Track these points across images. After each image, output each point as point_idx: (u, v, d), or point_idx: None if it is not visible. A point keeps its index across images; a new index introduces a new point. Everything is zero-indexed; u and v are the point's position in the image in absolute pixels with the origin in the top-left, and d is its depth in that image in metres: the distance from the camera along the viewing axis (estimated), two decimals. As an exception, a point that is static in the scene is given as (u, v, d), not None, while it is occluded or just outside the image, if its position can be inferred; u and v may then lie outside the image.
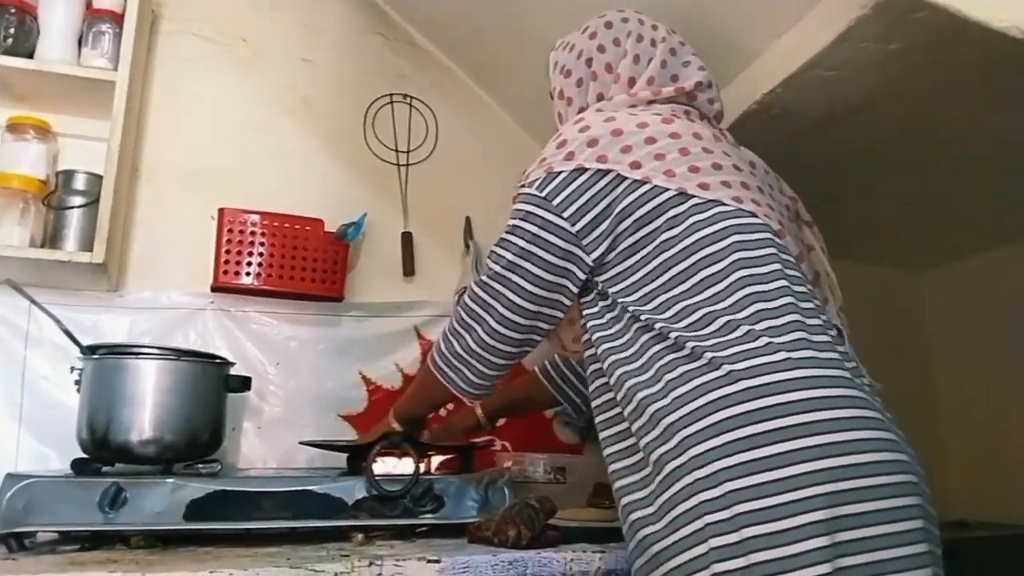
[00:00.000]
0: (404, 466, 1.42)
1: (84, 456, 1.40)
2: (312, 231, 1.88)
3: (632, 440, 0.96)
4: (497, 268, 1.09)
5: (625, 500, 0.98)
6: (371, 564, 1.10)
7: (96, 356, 1.44)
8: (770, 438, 0.83)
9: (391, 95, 2.12)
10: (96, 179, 1.63)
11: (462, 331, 1.15)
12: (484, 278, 1.11)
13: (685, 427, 0.87)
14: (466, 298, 1.14)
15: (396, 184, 2.08)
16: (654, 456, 0.91)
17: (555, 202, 1.04)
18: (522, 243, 1.07)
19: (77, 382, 1.46)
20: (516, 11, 1.79)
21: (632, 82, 1.16)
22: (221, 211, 1.84)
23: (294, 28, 2.06)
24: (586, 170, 1.03)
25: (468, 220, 2.11)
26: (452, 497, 1.40)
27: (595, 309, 1.05)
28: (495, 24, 1.90)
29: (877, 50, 1.04)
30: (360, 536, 1.32)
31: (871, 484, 0.83)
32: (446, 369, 1.19)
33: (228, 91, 1.97)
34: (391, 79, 2.13)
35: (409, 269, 2.03)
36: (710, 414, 0.86)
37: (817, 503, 0.80)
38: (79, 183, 1.65)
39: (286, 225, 1.86)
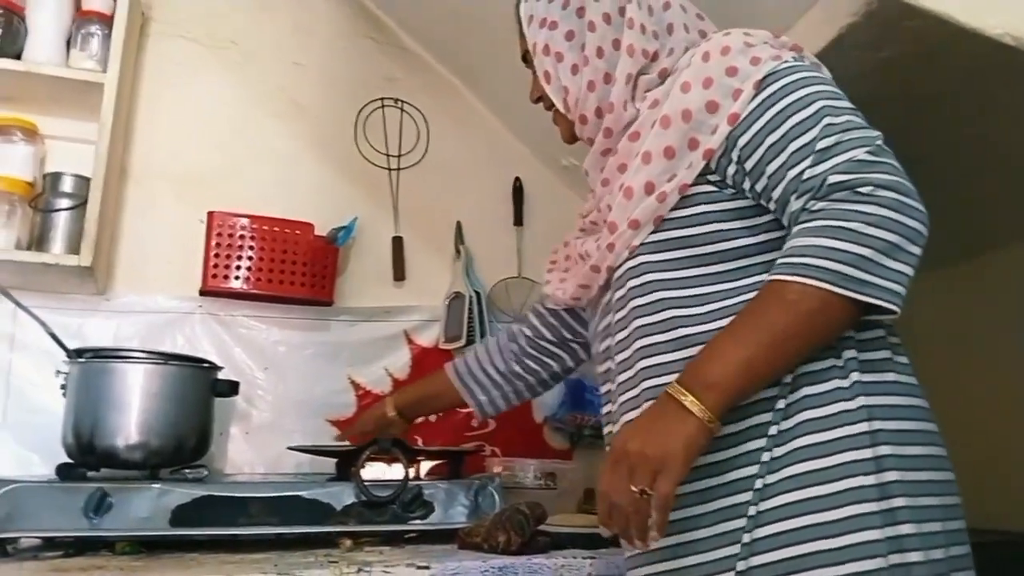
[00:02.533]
0: (393, 471, 1.42)
1: (69, 461, 1.39)
2: (302, 235, 1.87)
3: None
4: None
5: None
6: (359, 570, 1.10)
7: (82, 360, 1.43)
8: None
9: (382, 99, 2.11)
10: (84, 181, 1.61)
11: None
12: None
13: None
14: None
15: (387, 188, 2.07)
16: None
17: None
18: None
19: (63, 386, 1.45)
20: (505, 16, 1.79)
21: (644, 30, 1.02)
22: (210, 214, 1.82)
23: (284, 31, 2.05)
24: None
25: (459, 224, 2.10)
26: (442, 503, 1.40)
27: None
28: (485, 29, 1.89)
29: (868, 58, 1.05)
30: (348, 542, 1.31)
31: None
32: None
33: (218, 94, 1.96)
34: (382, 83, 2.12)
35: (399, 273, 2.02)
36: None
37: None
38: (66, 185, 1.64)
39: (276, 229, 1.85)
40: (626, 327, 0.99)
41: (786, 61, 0.91)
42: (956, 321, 1.86)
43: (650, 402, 0.91)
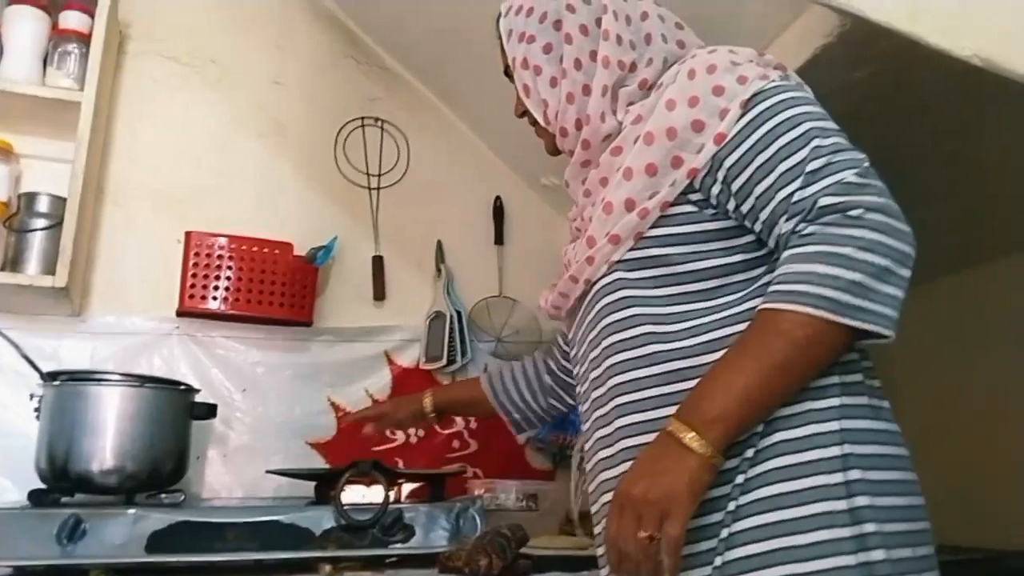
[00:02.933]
0: (373, 494, 1.40)
1: (42, 487, 1.37)
2: (281, 255, 1.86)
3: None
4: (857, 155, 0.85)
5: None
6: (339, 596, 1.08)
7: (56, 383, 1.40)
8: None
9: (362, 118, 2.11)
10: (60, 201, 1.60)
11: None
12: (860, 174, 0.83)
13: None
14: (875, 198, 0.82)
15: (367, 207, 2.06)
16: None
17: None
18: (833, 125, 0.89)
19: (36, 410, 1.42)
20: (484, 36, 1.79)
21: (620, 40, 1.02)
22: (188, 234, 1.81)
23: (265, 50, 2.05)
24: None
25: (439, 243, 2.10)
26: (422, 526, 1.38)
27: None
28: (466, 49, 1.90)
29: (843, 77, 1.06)
30: (328, 567, 1.29)
31: None
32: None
33: (197, 112, 1.95)
34: (362, 102, 2.12)
35: (380, 293, 2.01)
36: None
37: None
38: (42, 205, 1.62)
39: (254, 249, 1.84)
40: (599, 344, 0.98)
41: (773, 81, 0.91)
42: (936, 337, 1.87)
43: (621, 419, 0.92)
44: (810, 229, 0.82)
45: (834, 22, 1.16)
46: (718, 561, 0.83)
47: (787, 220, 0.84)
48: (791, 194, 0.84)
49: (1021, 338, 1.71)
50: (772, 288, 0.83)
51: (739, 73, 0.91)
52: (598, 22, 1.03)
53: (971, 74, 0.83)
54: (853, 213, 0.80)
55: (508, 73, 1.15)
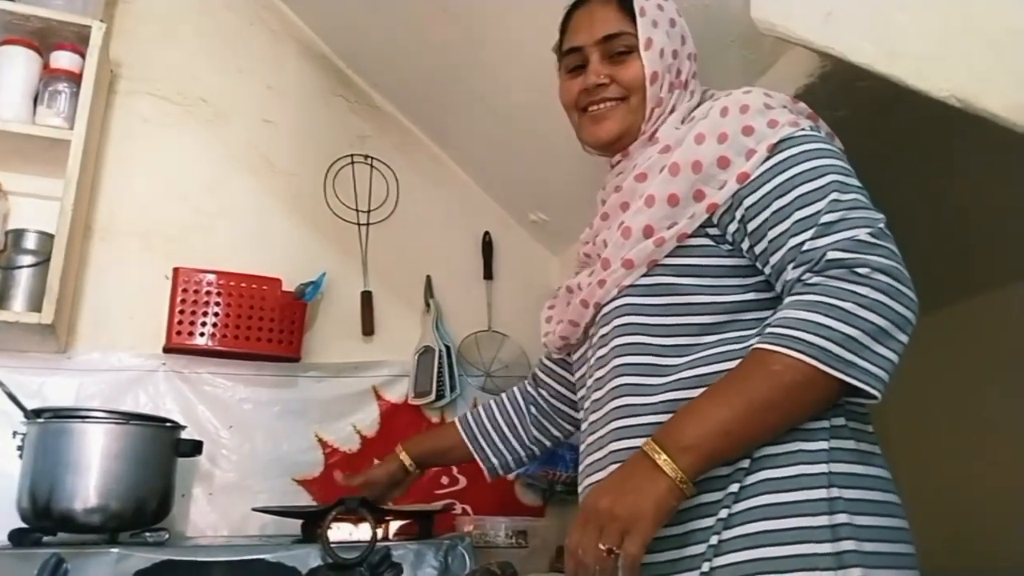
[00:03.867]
0: (361, 532, 1.39)
1: (24, 526, 1.35)
2: (269, 290, 1.86)
3: None
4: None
5: None
6: (325, 637, 1.07)
7: (40, 420, 1.39)
8: None
9: (352, 155, 2.13)
10: (47, 238, 1.60)
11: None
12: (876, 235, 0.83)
13: None
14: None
15: (356, 243, 2.07)
16: None
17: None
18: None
19: (19, 447, 1.41)
20: (473, 75, 1.82)
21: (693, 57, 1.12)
22: (175, 270, 1.81)
23: (255, 89, 2.07)
24: None
25: (428, 278, 2.10)
26: (411, 564, 1.37)
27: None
28: (453, 87, 1.93)
29: (825, 117, 1.08)
30: (314, 607, 1.27)
31: None
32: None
33: (186, 150, 1.97)
34: (352, 140, 2.14)
35: (368, 328, 2.01)
36: None
37: None
38: (29, 242, 1.62)
39: (243, 284, 1.84)
40: (605, 365, 0.99)
41: (803, 128, 0.93)
42: (926, 368, 1.89)
43: (616, 443, 0.92)
44: (815, 280, 0.83)
45: (815, 63, 1.18)
46: (706, 567, 0.83)
47: (794, 268, 0.86)
48: (802, 243, 0.85)
49: (1006, 367, 1.72)
50: (768, 329, 0.83)
51: (771, 117, 0.93)
52: (682, 40, 1.12)
53: (950, 113, 0.85)
54: (860, 271, 0.81)
55: (567, 51, 1.14)
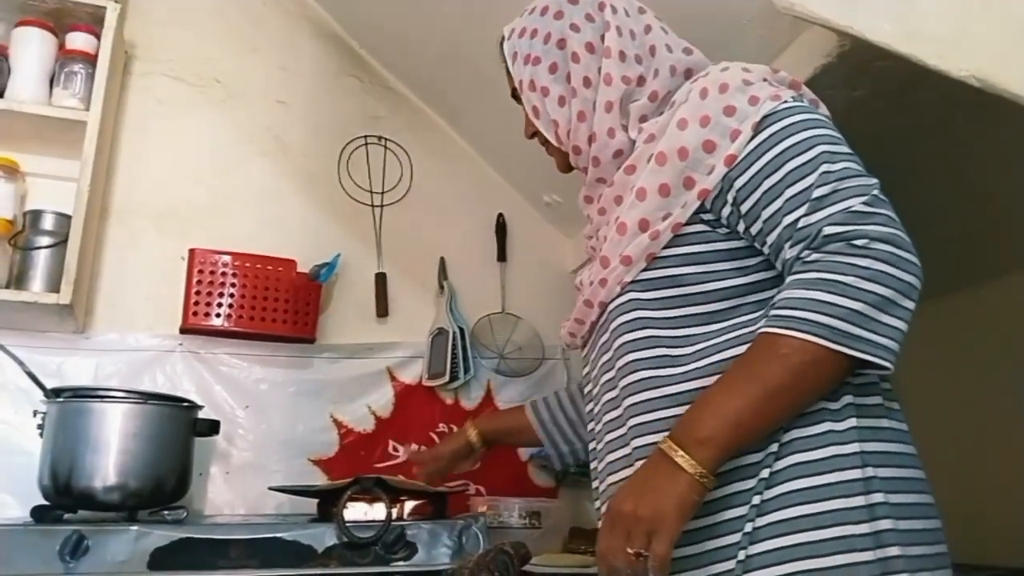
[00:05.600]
0: (376, 512, 1.40)
1: (45, 503, 1.37)
2: (284, 272, 1.87)
3: None
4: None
5: None
6: (341, 614, 1.08)
7: (60, 399, 1.41)
8: None
9: (366, 137, 2.13)
10: (65, 219, 1.61)
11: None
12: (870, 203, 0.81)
13: None
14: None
15: (370, 225, 2.08)
16: None
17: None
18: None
19: (40, 426, 1.43)
20: (485, 56, 1.81)
21: (624, 57, 1.03)
22: (191, 251, 1.82)
23: (269, 70, 2.07)
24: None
25: (442, 260, 2.11)
26: (425, 543, 1.38)
27: None
28: (467, 67, 1.92)
29: (842, 97, 1.07)
30: (330, 584, 1.29)
31: None
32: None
33: (201, 132, 1.97)
34: (366, 121, 2.14)
35: (382, 310, 2.02)
36: None
37: None
38: (47, 223, 1.63)
39: (258, 266, 1.85)
40: (614, 364, 0.98)
41: (785, 101, 0.91)
42: (941, 354, 1.88)
43: (639, 439, 0.91)
44: (813, 256, 0.81)
45: (833, 42, 1.17)
46: (742, 555, 0.82)
47: (792, 246, 0.84)
48: (796, 220, 0.84)
49: None
50: (772, 312, 0.82)
51: (751, 93, 0.91)
52: (602, 39, 1.04)
53: (968, 93, 0.83)
54: (858, 242, 0.79)
55: (516, 96, 1.15)
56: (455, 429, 2.00)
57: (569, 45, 1.05)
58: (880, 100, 1.22)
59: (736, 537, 0.83)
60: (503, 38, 1.16)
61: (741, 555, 0.82)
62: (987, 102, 0.82)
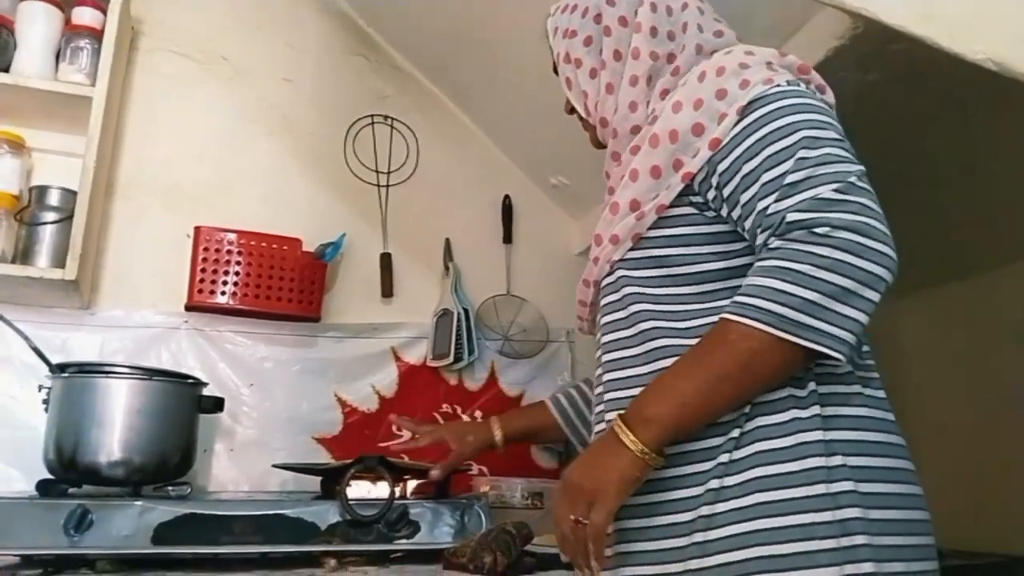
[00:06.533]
0: (379, 490, 1.40)
1: (50, 477, 1.37)
2: (290, 251, 1.86)
3: None
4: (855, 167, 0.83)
5: None
6: (343, 590, 1.08)
7: (65, 374, 1.41)
8: None
9: (372, 116, 2.11)
10: (70, 195, 1.61)
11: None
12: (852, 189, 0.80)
13: None
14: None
15: (376, 205, 2.07)
16: None
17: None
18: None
19: (45, 401, 1.43)
20: (493, 36, 1.80)
21: (655, 32, 1.02)
22: (197, 229, 1.82)
23: (276, 48, 2.06)
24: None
25: (448, 241, 2.10)
26: (428, 522, 1.38)
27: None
28: (475, 47, 1.91)
29: (855, 80, 1.06)
30: (333, 562, 1.29)
31: None
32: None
33: (207, 109, 1.96)
34: (372, 100, 2.13)
35: (387, 290, 2.02)
36: None
37: None
38: (53, 199, 1.63)
39: (263, 244, 1.84)
40: (603, 342, 1.00)
41: (777, 85, 0.89)
42: (946, 340, 1.87)
43: (611, 414, 0.93)
44: (776, 244, 0.81)
45: (847, 24, 1.16)
46: (694, 564, 0.84)
47: (761, 232, 0.84)
48: (767, 206, 0.83)
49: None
50: (733, 299, 0.83)
51: (743, 77, 0.90)
52: (635, 13, 1.04)
53: (984, 77, 0.82)
54: (819, 231, 0.78)
55: (556, 70, 1.15)
56: (458, 410, 2.02)
57: (604, 19, 1.06)
58: (892, 84, 1.21)
59: (688, 516, 0.85)
60: (548, 14, 1.17)
61: (698, 537, 0.84)
62: (1001, 85, 0.81)
